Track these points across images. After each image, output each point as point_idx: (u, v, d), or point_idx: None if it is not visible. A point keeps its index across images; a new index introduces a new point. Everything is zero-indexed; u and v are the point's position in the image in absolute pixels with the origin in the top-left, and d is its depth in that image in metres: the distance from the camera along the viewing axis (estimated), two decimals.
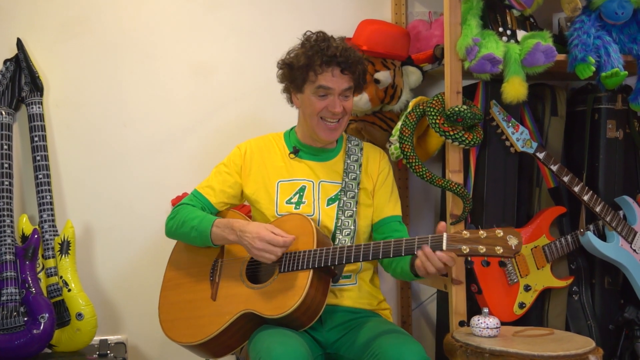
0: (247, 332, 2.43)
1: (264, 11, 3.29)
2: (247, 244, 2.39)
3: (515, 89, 2.81)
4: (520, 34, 2.93)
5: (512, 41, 2.90)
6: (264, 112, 3.27)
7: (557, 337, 2.52)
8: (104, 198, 3.16)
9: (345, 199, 2.58)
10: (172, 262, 2.67)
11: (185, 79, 3.23)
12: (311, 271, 2.36)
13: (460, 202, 2.87)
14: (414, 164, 2.88)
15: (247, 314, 2.39)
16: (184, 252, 2.64)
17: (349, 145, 2.70)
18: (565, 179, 2.94)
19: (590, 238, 2.98)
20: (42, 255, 2.96)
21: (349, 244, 2.51)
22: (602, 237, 3.05)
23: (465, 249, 2.19)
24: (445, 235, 2.24)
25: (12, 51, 3.05)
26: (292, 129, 2.74)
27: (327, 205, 2.58)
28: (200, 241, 2.53)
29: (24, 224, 2.96)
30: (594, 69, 2.89)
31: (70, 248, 2.97)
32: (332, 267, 2.42)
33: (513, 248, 2.17)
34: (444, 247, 2.22)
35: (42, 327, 2.81)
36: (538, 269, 2.98)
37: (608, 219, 2.99)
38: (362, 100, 3.06)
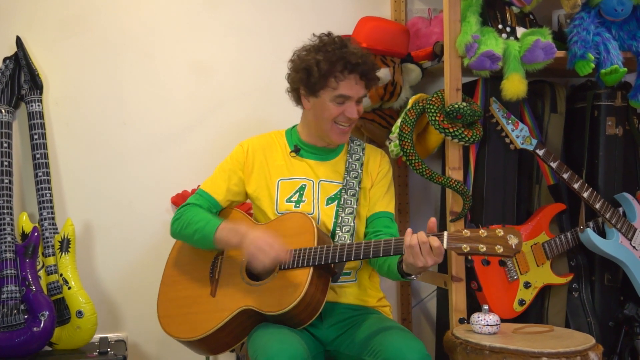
0: (245, 329, 2.43)
1: (263, 9, 3.29)
2: (246, 248, 2.40)
3: (514, 85, 2.81)
4: (520, 30, 2.93)
5: (512, 38, 2.90)
6: (264, 111, 3.27)
7: (557, 334, 2.52)
8: (104, 196, 3.16)
9: (346, 196, 2.58)
10: (172, 258, 2.67)
11: (185, 78, 3.23)
12: (311, 269, 2.36)
13: (460, 199, 2.87)
14: (413, 161, 2.88)
15: (246, 311, 2.39)
16: (185, 249, 2.64)
17: (351, 145, 2.70)
18: (565, 175, 2.94)
19: (590, 235, 2.98)
20: (42, 253, 2.96)
21: (349, 241, 2.51)
22: (602, 234, 3.05)
23: (466, 247, 2.19)
24: (445, 233, 2.24)
25: (11, 49, 3.05)
26: (294, 127, 2.74)
27: (327, 205, 2.58)
28: (203, 244, 2.53)
29: (24, 222, 2.96)
30: (593, 65, 2.89)
31: (70, 246, 2.97)
32: (332, 265, 2.43)
33: (513, 247, 2.17)
34: (445, 246, 2.21)
35: (42, 325, 2.81)
36: (538, 266, 2.98)
37: (608, 215, 2.99)
38: None
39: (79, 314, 2.91)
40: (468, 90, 2.99)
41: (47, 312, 2.82)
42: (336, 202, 2.58)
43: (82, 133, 3.14)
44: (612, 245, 3.00)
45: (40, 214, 2.98)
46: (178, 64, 3.23)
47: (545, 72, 2.93)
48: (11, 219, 2.92)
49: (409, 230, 2.27)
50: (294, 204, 2.58)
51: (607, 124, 3.11)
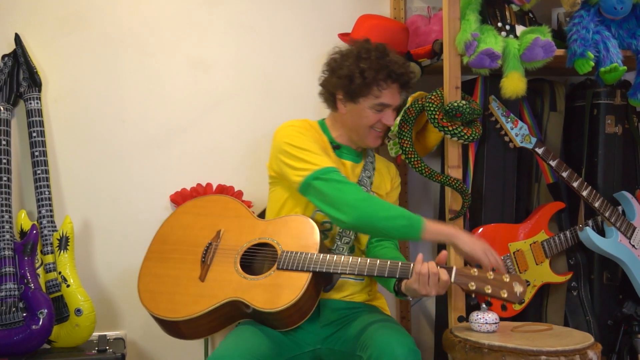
0: (225, 322, 2.44)
1: (262, 7, 3.29)
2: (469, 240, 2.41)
3: (514, 84, 2.81)
4: (519, 29, 2.93)
5: (511, 36, 2.90)
6: (263, 108, 3.26)
7: (556, 333, 2.52)
8: (103, 194, 3.15)
9: None
10: (160, 234, 2.65)
11: (184, 76, 3.23)
12: (310, 274, 2.37)
13: (459, 198, 2.87)
14: (412, 160, 2.88)
15: (235, 302, 2.38)
16: (175, 229, 2.62)
17: (366, 160, 2.73)
18: (564, 174, 2.94)
19: (589, 233, 2.98)
20: (41, 251, 2.96)
21: (346, 252, 2.52)
22: (601, 232, 3.05)
23: (472, 285, 2.25)
24: (454, 268, 2.29)
25: (10, 46, 3.05)
26: (323, 122, 2.74)
27: None
28: (404, 230, 2.42)
29: (23, 220, 2.96)
30: (592, 64, 2.89)
31: (69, 244, 2.97)
32: (329, 276, 2.44)
33: (518, 295, 2.26)
34: (452, 280, 2.26)
35: (40, 323, 2.81)
36: (537, 264, 2.98)
37: (607, 214, 2.99)
38: None
39: (78, 311, 2.91)
40: (467, 88, 2.99)
41: (46, 310, 2.82)
42: None
43: (81, 131, 3.14)
44: (611, 244, 3.00)
45: (39, 212, 2.97)
46: (177, 62, 3.23)
47: (545, 70, 2.93)
48: (10, 217, 2.92)
49: (420, 256, 2.31)
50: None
51: (607, 122, 3.10)
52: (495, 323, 2.46)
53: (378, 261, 2.35)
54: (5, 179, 2.92)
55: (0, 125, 2.95)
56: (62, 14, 3.11)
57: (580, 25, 2.92)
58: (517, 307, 2.93)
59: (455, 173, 2.86)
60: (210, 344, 3.16)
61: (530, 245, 2.98)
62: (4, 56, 3.04)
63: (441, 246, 3.19)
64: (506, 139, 2.94)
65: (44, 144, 3.00)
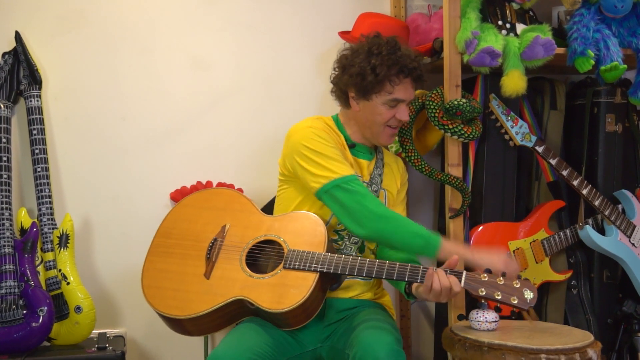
0: (231, 319, 2.42)
1: (262, 5, 3.28)
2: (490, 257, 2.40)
3: (514, 82, 2.81)
4: (520, 27, 2.93)
5: (512, 34, 2.90)
6: (263, 106, 3.26)
7: (556, 331, 2.52)
8: (103, 191, 3.15)
9: None
10: (163, 227, 2.61)
11: (184, 73, 3.23)
12: (317, 275, 2.34)
13: (460, 196, 2.87)
14: (413, 158, 2.88)
15: (240, 301, 2.37)
16: (179, 222, 2.59)
17: (377, 157, 2.71)
18: (564, 172, 2.94)
19: (589, 232, 2.98)
20: (41, 249, 2.96)
21: (354, 253, 2.51)
22: (601, 231, 3.05)
23: (482, 291, 2.24)
24: (464, 273, 2.28)
25: (10, 44, 3.05)
26: (338, 119, 2.69)
27: None
28: (419, 247, 2.41)
29: (23, 217, 2.96)
30: (593, 62, 2.89)
31: (69, 241, 2.97)
32: (337, 276, 2.42)
33: (528, 302, 2.23)
34: (462, 285, 2.25)
35: (40, 320, 2.81)
36: (537, 262, 2.98)
37: (607, 212, 2.99)
38: None
39: (78, 309, 2.91)
40: (467, 86, 2.99)
41: (46, 308, 2.82)
42: None
43: (81, 128, 3.14)
44: (611, 243, 3.00)
45: (39, 210, 2.97)
46: (178, 60, 3.22)
47: (545, 68, 2.93)
48: (10, 214, 2.92)
49: (431, 269, 2.30)
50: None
51: (607, 120, 3.10)
52: (495, 321, 2.46)
53: (387, 263, 2.33)
54: (5, 176, 2.92)
55: (1, 123, 2.95)
56: (62, 11, 3.11)
57: (580, 24, 2.92)
58: None
59: (456, 171, 2.86)
60: (210, 341, 3.16)
61: (530, 243, 2.98)
62: (4, 54, 3.04)
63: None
64: (506, 137, 2.94)
65: (44, 141, 3.00)
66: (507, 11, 2.95)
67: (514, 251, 2.94)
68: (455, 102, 2.78)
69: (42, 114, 3.02)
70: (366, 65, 2.50)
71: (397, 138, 2.91)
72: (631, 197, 3.07)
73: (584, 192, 2.96)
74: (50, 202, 2.99)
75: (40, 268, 2.94)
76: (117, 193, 3.16)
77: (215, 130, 3.23)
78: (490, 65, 2.80)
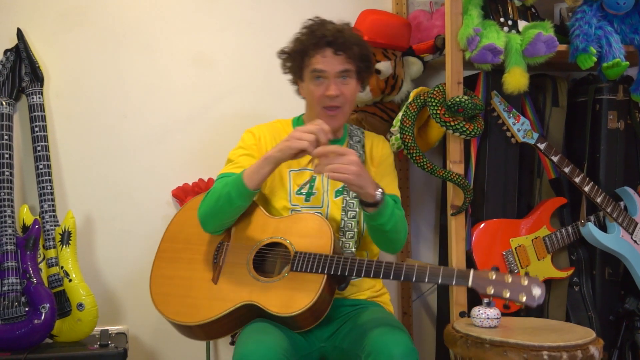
0: (243, 322, 2.40)
1: (263, 2, 3.28)
2: (282, 142, 2.32)
3: (516, 79, 2.81)
4: (522, 24, 2.92)
5: (514, 31, 2.90)
6: (264, 103, 3.27)
7: (558, 328, 2.52)
8: (105, 188, 3.16)
9: (348, 198, 2.54)
10: (169, 232, 2.60)
11: (186, 70, 3.23)
12: (325, 277, 2.32)
13: (461, 193, 2.87)
14: (414, 155, 2.88)
15: (249, 305, 2.35)
16: (186, 227, 2.57)
17: (351, 142, 2.65)
18: (566, 169, 2.94)
19: (591, 229, 2.98)
20: (43, 246, 2.96)
21: (353, 248, 2.50)
22: (603, 228, 3.05)
23: (491, 289, 2.21)
24: (472, 272, 2.24)
25: (12, 41, 3.05)
26: (300, 116, 2.70)
27: (335, 197, 2.55)
28: (237, 195, 2.36)
29: (25, 215, 2.96)
30: (595, 59, 2.89)
31: (71, 238, 2.97)
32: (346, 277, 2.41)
33: (536, 299, 2.19)
34: (470, 284, 2.22)
35: (43, 317, 2.82)
36: (539, 259, 2.98)
37: (609, 209, 2.99)
38: (363, 91, 3.05)
39: (80, 306, 2.91)
40: (469, 83, 2.99)
41: (48, 305, 2.83)
42: (343, 196, 2.55)
43: (83, 125, 3.14)
44: (613, 240, 3.00)
45: (41, 207, 2.98)
46: (179, 57, 3.23)
47: (547, 65, 2.92)
48: (12, 212, 2.93)
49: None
50: (304, 196, 2.54)
51: (609, 117, 3.10)
52: (497, 318, 2.46)
53: (394, 264, 2.32)
54: (7, 173, 2.93)
55: (3, 120, 2.95)
56: (63, 8, 3.11)
57: (582, 21, 2.92)
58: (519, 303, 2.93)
59: (457, 168, 2.86)
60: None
61: (532, 240, 2.98)
62: (6, 51, 3.04)
63: (443, 248, 3.19)
64: (508, 134, 2.94)
65: (46, 138, 3.00)
66: (509, 8, 2.95)
67: (515, 248, 2.94)
68: (457, 99, 2.78)
69: (44, 111, 3.02)
70: (290, 44, 2.53)
71: (399, 135, 2.91)
72: (633, 194, 3.07)
73: (586, 189, 2.96)
74: (52, 199, 2.99)
75: (42, 265, 2.95)
76: (119, 190, 3.17)
77: (216, 127, 3.23)
78: (492, 62, 2.79)
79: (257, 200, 2.56)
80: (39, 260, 2.94)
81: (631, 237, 3.02)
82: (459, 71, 2.85)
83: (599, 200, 2.97)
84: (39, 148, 2.98)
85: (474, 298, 2.90)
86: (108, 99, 3.16)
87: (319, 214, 2.48)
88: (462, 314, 2.81)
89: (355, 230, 2.52)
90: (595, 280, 3.15)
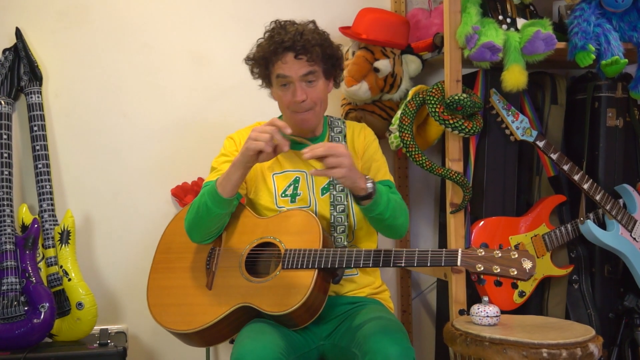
0: (241, 324, 2.39)
1: (262, 0, 3.28)
2: (245, 145, 2.31)
3: (515, 77, 2.81)
4: (520, 22, 2.92)
5: (512, 29, 2.90)
6: (264, 102, 3.25)
7: (557, 326, 2.52)
8: (104, 188, 3.16)
9: (335, 193, 2.53)
10: (163, 243, 2.60)
11: (185, 69, 3.23)
12: (316, 271, 2.32)
13: (460, 191, 2.87)
14: (413, 153, 2.88)
15: (244, 307, 2.36)
16: (178, 236, 2.57)
17: (332, 134, 2.62)
18: (565, 167, 2.94)
19: (590, 226, 2.98)
20: (42, 245, 2.96)
21: (345, 242, 2.50)
22: (602, 225, 3.05)
23: (480, 267, 2.19)
24: (460, 251, 2.22)
25: (10, 40, 3.05)
26: (280, 116, 2.65)
27: (322, 195, 2.55)
28: (213, 203, 2.37)
29: (24, 214, 2.96)
30: (594, 57, 2.89)
31: (70, 237, 2.97)
32: (336, 269, 2.41)
33: (527, 271, 2.16)
34: (459, 263, 2.21)
35: (42, 317, 2.81)
36: (538, 257, 2.98)
37: (608, 207, 2.99)
38: (361, 89, 3.05)
39: (79, 305, 2.91)
40: (468, 81, 2.99)
41: (47, 304, 2.83)
42: (329, 192, 2.55)
43: (81, 124, 3.14)
44: (613, 237, 3.00)
45: (40, 206, 2.98)
46: (178, 56, 3.22)
47: (546, 63, 2.92)
48: (11, 211, 2.92)
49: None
50: (289, 198, 2.53)
51: (608, 115, 3.10)
52: (497, 316, 2.46)
53: (382, 251, 2.33)
54: (6, 173, 2.93)
55: (1, 120, 2.95)
56: (62, 7, 3.11)
57: (581, 18, 2.92)
58: (518, 301, 2.94)
59: (456, 166, 2.86)
60: None
61: (532, 238, 2.98)
62: (4, 50, 3.04)
63: (442, 246, 3.19)
64: (507, 132, 2.94)
65: (44, 138, 3.00)
66: (508, 6, 2.95)
67: (515, 246, 2.94)
68: (456, 97, 2.78)
69: (42, 111, 3.02)
70: (254, 51, 2.51)
71: (397, 133, 2.91)
72: (632, 191, 3.07)
73: (585, 186, 2.96)
74: (51, 199, 2.99)
75: (41, 264, 2.95)
76: (118, 189, 3.17)
77: (216, 125, 3.23)
78: (490, 60, 2.80)
79: (246, 204, 2.58)
80: (38, 259, 2.94)
81: (630, 235, 3.02)
82: (458, 69, 2.85)
83: (598, 197, 2.97)
84: (37, 147, 2.98)
85: (474, 296, 2.90)
86: (107, 98, 3.16)
87: (306, 210, 2.48)
88: (461, 312, 2.81)
89: (346, 224, 2.51)
90: (594, 278, 3.15)
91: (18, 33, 3.03)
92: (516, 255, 2.18)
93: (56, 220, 2.99)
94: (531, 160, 3.15)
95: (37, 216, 2.96)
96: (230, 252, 2.48)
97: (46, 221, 2.97)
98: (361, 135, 2.64)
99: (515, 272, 2.16)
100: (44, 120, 3.01)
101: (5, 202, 2.91)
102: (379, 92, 3.12)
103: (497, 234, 2.93)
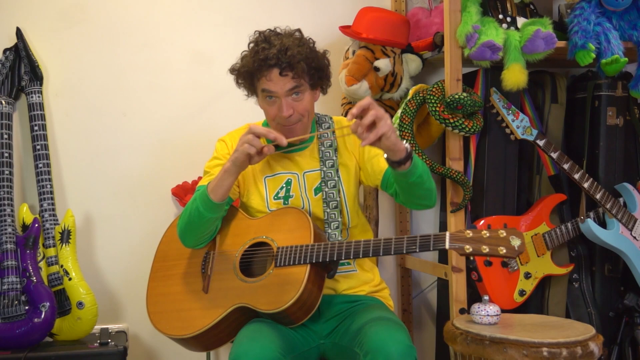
0: (239, 326, 2.39)
1: None
2: (235, 151, 2.33)
3: (515, 76, 2.81)
4: (520, 20, 2.92)
5: (512, 28, 2.90)
6: None
7: (558, 324, 2.52)
8: (105, 187, 3.16)
9: (327, 190, 2.52)
10: (160, 251, 2.62)
11: (185, 67, 3.23)
12: (308, 266, 2.33)
13: (461, 190, 2.87)
14: (414, 152, 2.88)
15: (240, 308, 2.36)
16: (173, 243, 2.58)
17: (320, 129, 2.61)
18: (566, 166, 2.94)
19: (590, 225, 2.98)
20: (43, 244, 2.96)
21: (339, 238, 2.50)
22: (603, 224, 3.05)
23: (468, 248, 2.17)
24: (447, 234, 2.22)
25: (11, 40, 3.05)
26: (266, 122, 2.64)
27: (315, 195, 2.54)
28: (205, 208, 2.38)
29: (25, 213, 2.96)
30: (594, 55, 2.89)
31: (70, 237, 2.97)
32: (329, 262, 2.41)
33: (516, 249, 2.15)
34: (447, 246, 2.20)
35: (43, 316, 2.82)
36: (538, 256, 2.99)
37: (608, 206, 2.99)
38: (362, 89, 3.05)
39: (80, 305, 2.92)
40: (468, 80, 2.99)
41: (48, 303, 2.83)
42: (321, 193, 2.55)
43: (82, 124, 3.14)
44: (613, 236, 3.00)
45: (41, 205, 2.98)
46: (178, 55, 3.23)
47: (546, 62, 2.93)
48: (12, 210, 2.93)
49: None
50: (282, 200, 2.53)
51: (608, 114, 3.10)
52: (497, 315, 2.46)
53: (372, 241, 2.33)
54: (7, 172, 2.93)
55: (2, 119, 2.95)
56: (62, 7, 3.11)
57: (581, 17, 2.92)
58: (519, 300, 2.94)
59: (457, 165, 2.86)
60: None
61: (532, 237, 2.98)
62: (5, 50, 3.04)
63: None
64: (507, 131, 2.94)
65: (45, 137, 3.00)
66: (508, 5, 2.95)
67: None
68: (456, 96, 2.78)
69: (43, 110, 3.02)
70: (240, 63, 2.50)
71: (398, 132, 2.91)
72: (632, 190, 3.07)
73: (585, 185, 2.96)
74: (52, 198, 2.99)
75: (42, 264, 2.95)
76: (118, 188, 3.17)
77: (216, 124, 3.22)
78: (491, 59, 2.80)
79: (240, 207, 2.59)
80: (39, 259, 2.94)
81: (630, 233, 3.03)
82: (458, 68, 2.85)
83: (598, 196, 2.97)
84: (38, 147, 2.98)
85: (474, 294, 2.90)
86: (107, 97, 3.16)
87: (297, 207, 2.49)
88: (462, 311, 2.81)
89: (340, 220, 2.51)
90: (594, 277, 3.15)
91: (19, 33, 3.03)
92: (504, 234, 2.16)
93: (57, 220, 2.99)
94: (531, 159, 3.15)
95: (37, 216, 2.96)
96: (225, 255, 2.49)
97: (47, 220, 2.97)
98: (354, 136, 2.59)
99: (504, 251, 2.15)
100: (45, 120, 3.02)
101: (5, 202, 2.91)
102: (379, 91, 3.13)
103: None
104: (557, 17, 3.19)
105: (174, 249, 2.58)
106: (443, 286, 3.22)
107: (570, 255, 3.12)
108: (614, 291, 3.16)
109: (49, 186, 2.99)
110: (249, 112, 3.20)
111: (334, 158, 2.55)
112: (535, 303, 3.06)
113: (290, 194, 2.54)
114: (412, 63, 3.16)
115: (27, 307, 2.83)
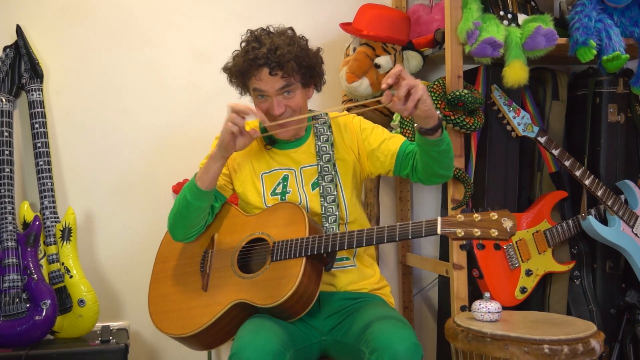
0: (239, 323, 2.39)
1: None
2: (220, 134, 2.38)
3: (516, 73, 2.81)
4: (521, 17, 2.92)
5: (513, 25, 2.89)
6: None
7: (559, 321, 2.52)
8: (105, 185, 3.16)
9: (324, 184, 2.52)
10: (160, 254, 2.63)
11: (185, 66, 3.23)
12: (304, 259, 2.33)
13: (462, 187, 2.87)
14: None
15: (239, 304, 2.36)
16: (173, 244, 2.60)
17: (316, 125, 2.61)
18: (567, 163, 2.94)
19: (591, 222, 2.98)
20: (44, 242, 2.96)
21: (336, 231, 2.49)
22: (604, 221, 3.05)
23: (460, 232, 2.18)
24: (439, 219, 2.22)
25: (11, 38, 3.05)
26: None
27: (313, 190, 2.54)
28: (192, 197, 2.41)
29: (25, 211, 2.96)
30: (595, 52, 2.88)
31: (71, 234, 2.97)
32: (325, 255, 2.41)
33: (508, 230, 2.15)
34: (439, 231, 2.20)
35: (44, 314, 2.82)
36: (539, 253, 2.98)
37: (609, 203, 2.99)
38: (362, 86, 3.05)
39: (81, 302, 2.92)
40: (469, 77, 2.99)
41: (49, 301, 2.83)
42: (318, 188, 2.55)
43: (82, 122, 3.14)
44: (614, 233, 3.00)
45: (42, 203, 2.98)
46: (179, 52, 3.23)
47: (547, 59, 2.92)
48: (12, 208, 2.93)
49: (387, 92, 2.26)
50: (279, 196, 2.53)
51: (609, 111, 3.10)
52: (498, 312, 2.46)
53: (365, 230, 2.33)
54: (7, 170, 2.93)
55: (2, 117, 2.95)
56: (63, 5, 3.11)
57: (582, 14, 2.91)
58: (520, 297, 2.94)
59: (458, 162, 2.86)
60: None
61: (533, 234, 2.98)
62: (5, 47, 3.04)
63: (444, 242, 3.18)
64: (508, 128, 2.93)
65: (46, 135, 3.00)
66: (509, 1, 2.95)
67: (516, 242, 2.94)
68: (457, 93, 2.78)
69: (43, 108, 3.02)
70: (231, 61, 2.51)
71: (399, 129, 2.91)
72: (634, 187, 3.07)
73: (587, 182, 2.96)
74: (53, 196, 2.99)
75: (43, 261, 2.95)
76: (119, 186, 3.17)
77: (216, 122, 3.21)
78: (491, 55, 2.79)
79: (238, 206, 2.60)
80: (40, 256, 2.94)
81: (632, 230, 3.02)
82: (459, 65, 2.85)
83: (599, 193, 2.97)
84: (39, 144, 2.98)
85: (475, 292, 2.90)
86: (108, 95, 3.16)
87: (291, 202, 2.49)
88: (463, 308, 2.81)
89: (337, 214, 2.50)
90: (596, 274, 3.15)
91: (19, 30, 3.03)
92: (496, 216, 2.16)
93: (57, 218, 2.99)
94: (532, 156, 3.15)
95: (38, 213, 2.96)
96: (223, 253, 2.50)
97: (47, 218, 2.97)
98: (353, 129, 2.60)
99: (496, 233, 2.14)
100: (45, 118, 3.02)
101: (6, 200, 2.91)
102: (380, 88, 3.12)
103: None
104: (558, 14, 3.19)
105: (173, 250, 2.60)
106: (444, 283, 3.22)
107: (571, 252, 3.12)
108: (615, 288, 3.16)
109: (49, 184, 2.99)
110: None
111: (331, 152, 2.55)
112: (536, 300, 3.06)
113: (287, 189, 2.54)
114: (413, 60, 3.15)
115: (28, 305, 2.83)
